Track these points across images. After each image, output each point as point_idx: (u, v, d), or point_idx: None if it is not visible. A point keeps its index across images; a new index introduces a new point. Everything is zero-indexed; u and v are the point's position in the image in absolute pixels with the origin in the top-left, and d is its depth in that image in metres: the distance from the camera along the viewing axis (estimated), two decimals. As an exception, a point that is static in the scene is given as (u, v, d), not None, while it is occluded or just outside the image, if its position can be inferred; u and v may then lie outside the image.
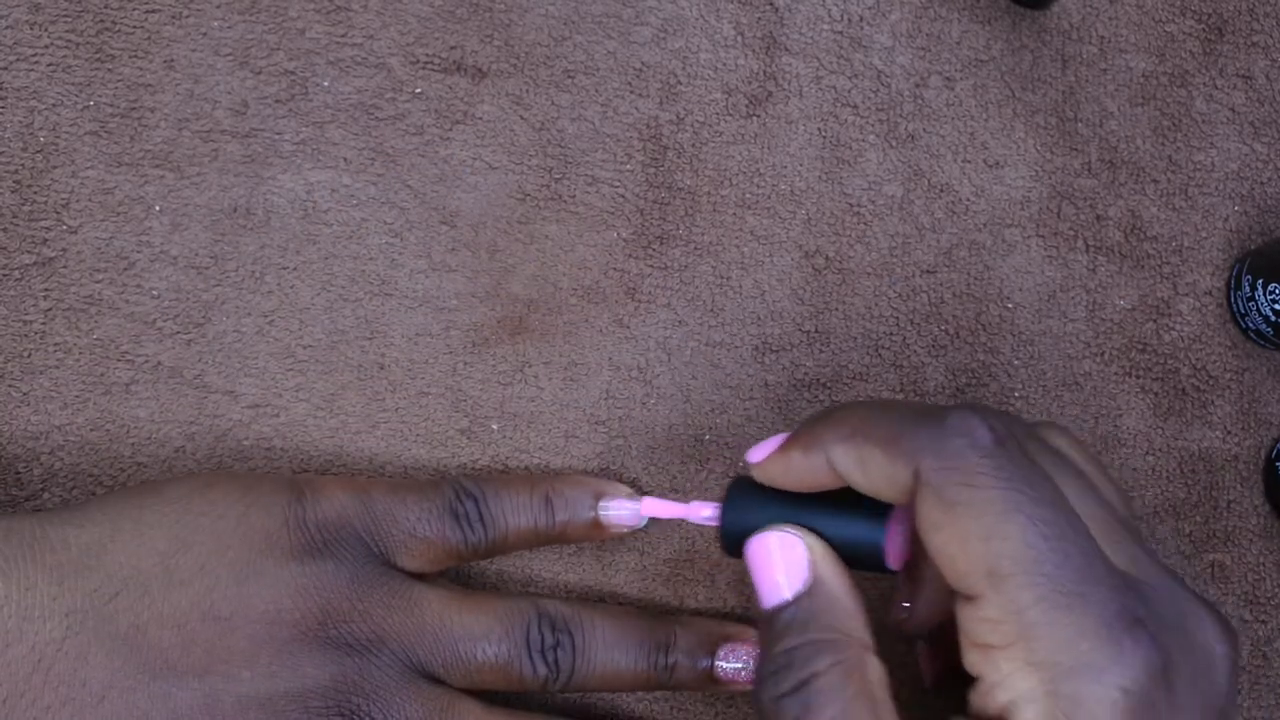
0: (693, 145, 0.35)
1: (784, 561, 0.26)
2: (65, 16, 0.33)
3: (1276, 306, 0.34)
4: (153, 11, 0.33)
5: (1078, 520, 0.24)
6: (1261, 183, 0.37)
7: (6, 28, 0.33)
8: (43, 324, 0.32)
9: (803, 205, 0.35)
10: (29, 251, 0.32)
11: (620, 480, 0.33)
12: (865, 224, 0.35)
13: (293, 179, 0.33)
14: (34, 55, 0.33)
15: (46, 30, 0.33)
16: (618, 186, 0.34)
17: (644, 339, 0.34)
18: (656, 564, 0.34)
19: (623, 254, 0.34)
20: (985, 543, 0.23)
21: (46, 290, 0.32)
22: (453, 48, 0.34)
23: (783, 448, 0.27)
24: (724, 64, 0.35)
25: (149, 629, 0.27)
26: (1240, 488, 0.36)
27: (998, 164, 0.36)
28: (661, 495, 0.33)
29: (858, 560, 0.27)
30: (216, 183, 0.33)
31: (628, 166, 0.35)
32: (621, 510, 0.32)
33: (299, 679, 0.27)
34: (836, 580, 0.26)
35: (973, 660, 0.24)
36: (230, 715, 0.27)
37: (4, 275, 0.32)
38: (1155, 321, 0.36)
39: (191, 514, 0.28)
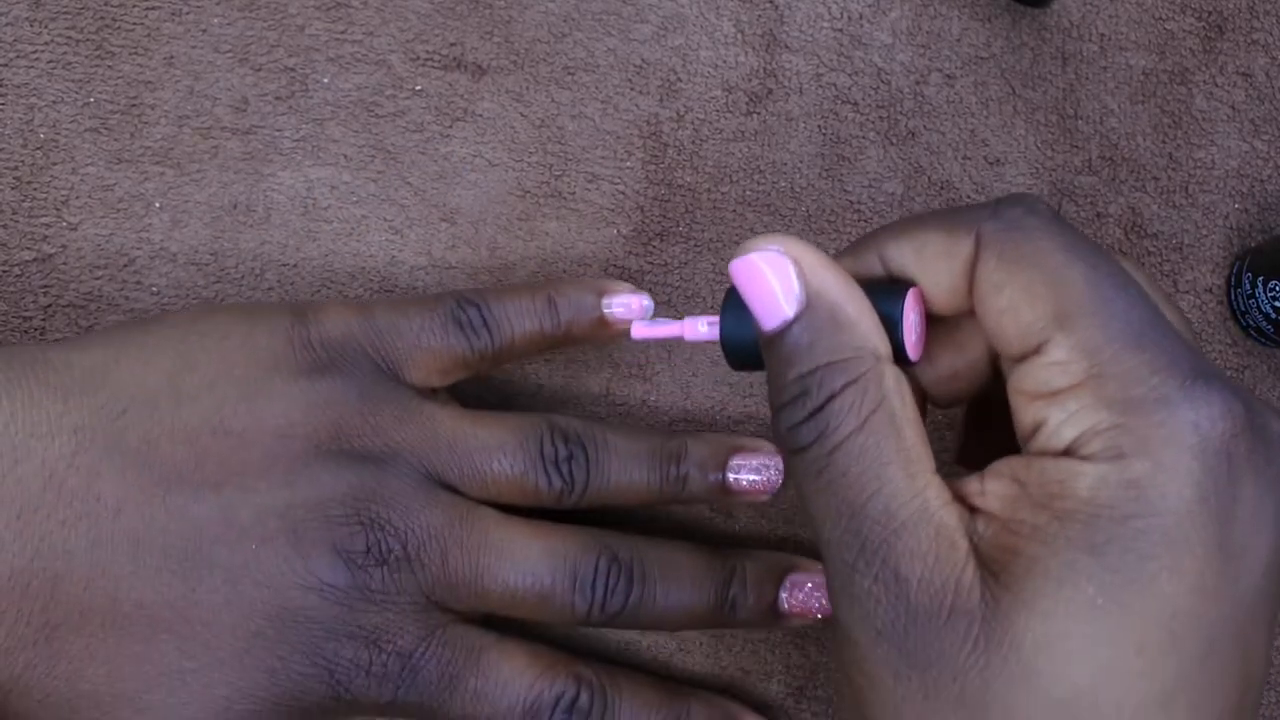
0: (693, 142, 0.35)
1: (775, 280, 0.24)
2: (65, 13, 0.33)
3: (1277, 304, 0.34)
4: (153, 8, 0.33)
5: (1140, 285, 0.23)
6: (1261, 180, 0.37)
7: (7, 24, 0.33)
8: (42, 320, 0.32)
9: (803, 203, 0.35)
10: (29, 248, 0.32)
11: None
12: (866, 221, 0.35)
13: (293, 176, 0.33)
14: (34, 52, 0.33)
15: (47, 27, 0.33)
16: (618, 184, 0.34)
17: (644, 336, 0.34)
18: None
19: (623, 251, 0.34)
20: (1052, 288, 0.22)
21: (46, 287, 0.32)
22: (453, 44, 0.34)
23: (835, 258, 0.26)
24: (724, 61, 0.35)
25: (160, 444, 0.26)
26: (1240, 485, 0.36)
27: (998, 161, 0.36)
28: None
29: None
30: (216, 179, 0.33)
31: (628, 164, 0.35)
32: (626, 302, 0.31)
33: (317, 488, 0.27)
34: (836, 289, 0.24)
35: (1034, 411, 0.22)
36: (249, 526, 0.26)
37: (4, 272, 0.32)
38: (1155, 319, 0.36)
39: (196, 334, 0.28)
